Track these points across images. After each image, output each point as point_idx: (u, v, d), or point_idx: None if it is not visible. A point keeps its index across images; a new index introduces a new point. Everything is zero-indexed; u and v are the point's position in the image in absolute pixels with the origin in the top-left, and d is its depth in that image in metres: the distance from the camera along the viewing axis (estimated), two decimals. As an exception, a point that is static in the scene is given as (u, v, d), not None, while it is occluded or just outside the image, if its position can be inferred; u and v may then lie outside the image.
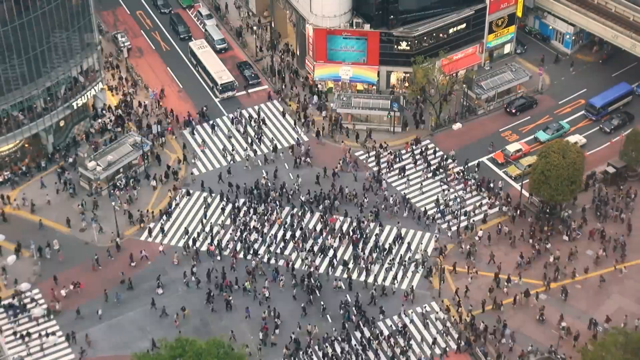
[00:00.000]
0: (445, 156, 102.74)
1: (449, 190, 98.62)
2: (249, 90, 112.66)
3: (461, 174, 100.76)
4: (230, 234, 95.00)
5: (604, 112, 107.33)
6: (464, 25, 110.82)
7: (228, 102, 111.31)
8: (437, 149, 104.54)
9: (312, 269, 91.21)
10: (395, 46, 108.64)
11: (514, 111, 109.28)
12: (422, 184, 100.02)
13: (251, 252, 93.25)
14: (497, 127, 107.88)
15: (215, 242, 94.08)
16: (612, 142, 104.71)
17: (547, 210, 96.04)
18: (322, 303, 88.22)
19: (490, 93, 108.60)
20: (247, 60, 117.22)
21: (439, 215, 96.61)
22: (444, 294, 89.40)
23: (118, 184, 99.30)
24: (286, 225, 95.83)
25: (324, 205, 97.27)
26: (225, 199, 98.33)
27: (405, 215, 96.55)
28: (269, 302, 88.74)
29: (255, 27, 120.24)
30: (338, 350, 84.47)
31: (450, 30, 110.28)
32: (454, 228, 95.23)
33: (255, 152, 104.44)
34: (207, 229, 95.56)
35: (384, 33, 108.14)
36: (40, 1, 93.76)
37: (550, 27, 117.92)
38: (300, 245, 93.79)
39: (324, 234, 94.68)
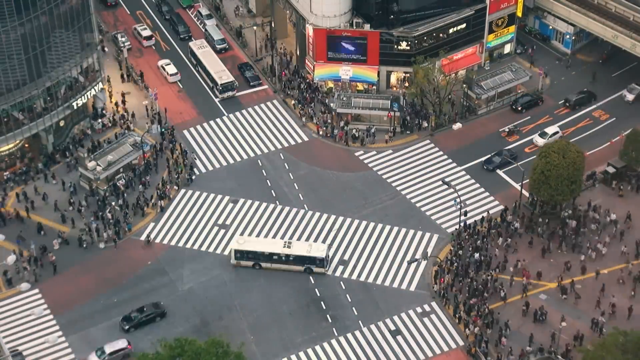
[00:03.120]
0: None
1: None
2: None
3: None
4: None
5: None
6: (464, 25, 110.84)
7: (228, 102, 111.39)
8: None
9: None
10: (395, 46, 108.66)
11: (519, 108, 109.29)
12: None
13: None
14: (497, 127, 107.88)
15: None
16: (612, 142, 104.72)
17: (547, 210, 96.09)
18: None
19: (490, 93, 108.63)
20: (248, 62, 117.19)
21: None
22: (443, 293, 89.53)
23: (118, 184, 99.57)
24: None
25: None
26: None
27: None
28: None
29: (255, 27, 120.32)
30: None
31: (450, 30, 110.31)
32: (454, 228, 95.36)
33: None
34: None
35: (384, 33, 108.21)
36: (40, 1, 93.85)
37: (550, 27, 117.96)
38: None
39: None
